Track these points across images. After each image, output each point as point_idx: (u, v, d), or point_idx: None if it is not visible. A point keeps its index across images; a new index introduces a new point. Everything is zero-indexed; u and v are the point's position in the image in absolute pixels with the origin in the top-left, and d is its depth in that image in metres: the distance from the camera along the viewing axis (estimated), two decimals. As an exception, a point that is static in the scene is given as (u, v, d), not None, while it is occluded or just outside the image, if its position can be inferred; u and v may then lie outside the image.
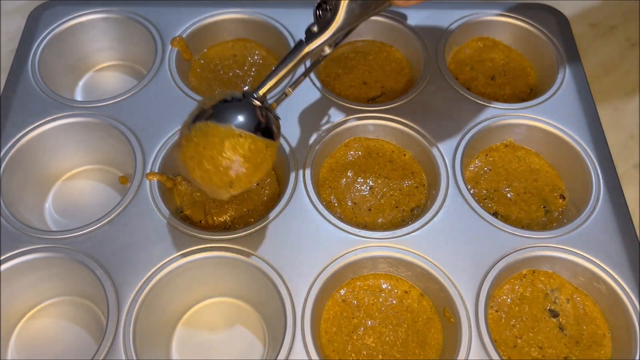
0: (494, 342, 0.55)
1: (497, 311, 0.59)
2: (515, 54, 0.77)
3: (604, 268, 0.59)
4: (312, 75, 0.71)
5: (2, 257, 0.57)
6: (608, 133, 0.68)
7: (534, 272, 0.61)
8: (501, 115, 0.69)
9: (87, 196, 0.69)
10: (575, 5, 0.82)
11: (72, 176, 0.70)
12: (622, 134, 0.71)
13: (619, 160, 0.67)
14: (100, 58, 0.77)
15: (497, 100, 0.72)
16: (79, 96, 0.76)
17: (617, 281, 0.58)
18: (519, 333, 0.57)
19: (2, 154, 0.64)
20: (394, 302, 0.59)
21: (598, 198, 0.63)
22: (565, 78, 0.72)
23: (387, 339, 0.57)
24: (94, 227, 0.60)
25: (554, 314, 0.59)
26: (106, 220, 0.60)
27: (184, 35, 0.73)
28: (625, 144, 0.70)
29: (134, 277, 0.57)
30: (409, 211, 0.65)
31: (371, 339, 0.57)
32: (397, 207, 0.65)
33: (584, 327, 0.58)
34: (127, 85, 0.76)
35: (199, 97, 0.69)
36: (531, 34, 0.76)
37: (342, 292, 0.60)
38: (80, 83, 0.77)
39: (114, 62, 0.78)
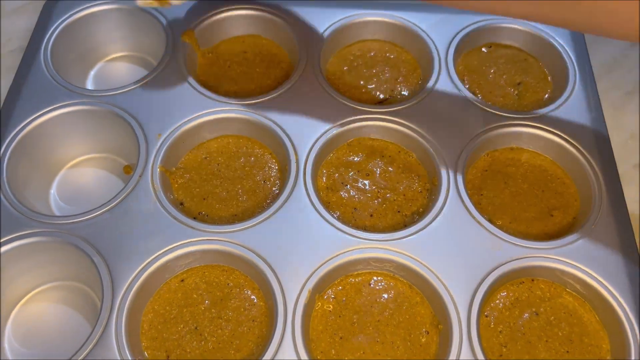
0: (484, 351, 0.54)
1: (487, 316, 0.58)
2: (527, 62, 0.76)
3: (602, 283, 0.58)
4: (318, 73, 0.71)
5: (1, 240, 0.58)
6: (609, 132, 0.67)
7: (532, 280, 0.60)
8: (508, 123, 0.68)
9: (92, 184, 0.70)
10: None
11: (77, 164, 0.71)
12: (622, 134, 0.70)
13: (619, 160, 0.66)
14: (111, 49, 0.78)
15: (507, 106, 0.71)
16: (89, 85, 0.77)
17: (615, 298, 0.57)
18: (505, 341, 0.57)
19: (9, 139, 0.65)
20: (388, 304, 0.59)
21: (600, 211, 0.62)
22: (576, 88, 0.71)
23: (379, 339, 0.57)
24: (94, 214, 0.61)
25: (552, 324, 0.58)
26: (106, 208, 0.61)
27: (195, 29, 0.74)
28: (625, 144, 0.69)
29: (130, 266, 0.58)
30: (410, 216, 0.64)
31: (363, 339, 0.57)
32: (399, 211, 0.64)
33: (585, 340, 0.57)
34: (137, 76, 0.76)
35: (206, 92, 0.69)
36: (543, 42, 0.75)
37: (335, 290, 0.59)
38: (92, 73, 0.78)
39: (125, 53, 0.79)
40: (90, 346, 0.53)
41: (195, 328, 0.57)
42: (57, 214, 0.67)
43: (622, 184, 0.63)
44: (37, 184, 0.68)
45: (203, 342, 0.57)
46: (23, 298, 0.62)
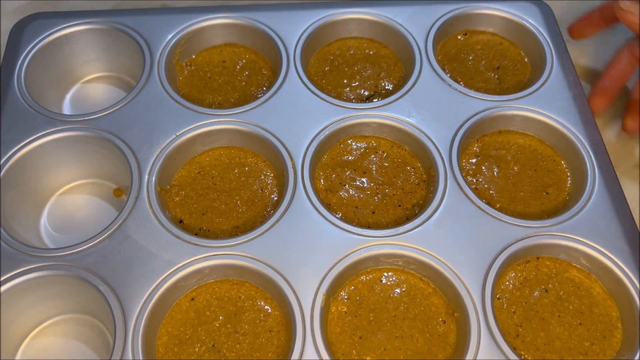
0: (503, 334, 0.55)
1: (499, 298, 0.59)
2: (502, 46, 0.78)
3: (604, 253, 0.60)
4: (302, 75, 0.71)
5: (2, 278, 0.56)
6: (608, 132, 0.68)
7: (538, 258, 0.61)
8: (493, 107, 0.69)
9: (83, 211, 0.68)
10: (575, 5, 0.82)
11: (66, 191, 0.69)
12: (622, 134, 0.72)
13: (619, 160, 0.67)
14: (87, 70, 0.76)
15: (490, 91, 0.72)
16: (67, 109, 0.74)
17: (618, 266, 0.59)
18: (519, 321, 0.58)
19: (-6, 173, 0.62)
20: (402, 298, 0.59)
21: (594, 184, 0.64)
22: (554, 67, 0.73)
23: (397, 334, 0.57)
24: (94, 242, 0.59)
25: (562, 299, 0.59)
26: (106, 235, 0.59)
27: (171, 43, 0.73)
28: (625, 143, 0.71)
29: (138, 291, 0.56)
30: (411, 208, 0.65)
31: (382, 336, 0.57)
32: (399, 205, 0.65)
33: (595, 311, 0.58)
34: (115, 96, 0.75)
35: (192, 105, 0.68)
36: (517, 25, 0.77)
37: (347, 291, 0.59)
38: (68, 96, 0.75)
39: (101, 74, 0.77)
40: (110, 377, 0.52)
41: (213, 346, 0.56)
42: (50, 244, 0.65)
43: (622, 184, 0.64)
44: (26, 215, 0.65)
45: (226, 355, 0.56)
46: (29, 334, 0.60)
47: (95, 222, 0.66)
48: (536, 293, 0.59)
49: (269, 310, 0.58)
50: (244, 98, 0.73)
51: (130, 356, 0.53)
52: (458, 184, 0.64)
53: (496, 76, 0.75)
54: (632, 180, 0.70)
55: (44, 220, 0.67)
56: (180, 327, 0.57)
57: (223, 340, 0.57)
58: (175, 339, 0.57)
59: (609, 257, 0.59)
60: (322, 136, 0.67)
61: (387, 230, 0.61)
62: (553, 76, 0.72)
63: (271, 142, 0.66)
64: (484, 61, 0.76)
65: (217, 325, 0.57)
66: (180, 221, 0.64)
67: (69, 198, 0.69)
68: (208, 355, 0.56)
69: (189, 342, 0.57)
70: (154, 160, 0.64)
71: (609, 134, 0.71)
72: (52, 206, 0.68)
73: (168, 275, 0.57)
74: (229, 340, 0.57)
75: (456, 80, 0.74)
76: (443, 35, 0.77)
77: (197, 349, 0.56)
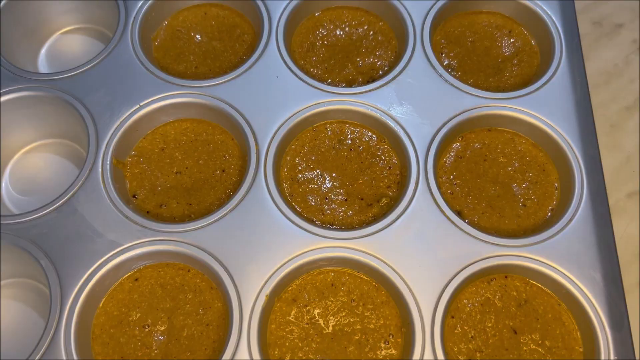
0: (447, 355, 0.52)
1: (453, 317, 0.56)
2: (512, 34, 0.70)
3: (575, 283, 0.55)
4: (282, 49, 0.66)
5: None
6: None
7: (506, 277, 0.57)
8: (483, 105, 0.63)
9: (46, 171, 0.67)
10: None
11: (28, 151, 0.67)
12: (618, 156, 0.62)
13: (614, 185, 0.59)
14: (63, 21, 0.73)
15: (487, 83, 0.66)
16: (42, 63, 0.72)
17: (587, 298, 0.54)
18: (477, 346, 0.55)
19: (-50, 129, 0.61)
20: (351, 303, 0.56)
21: (579, 204, 0.58)
22: (561, 65, 0.65)
23: (339, 341, 0.55)
24: (41, 214, 0.57)
25: (522, 328, 0.55)
26: (54, 207, 0.58)
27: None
28: (621, 167, 0.62)
29: (80, 269, 0.55)
30: (379, 208, 0.61)
31: (322, 343, 0.55)
32: (370, 205, 0.60)
33: (560, 345, 0.55)
34: (93, 50, 0.71)
35: (162, 74, 0.64)
36: (528, 9, 0.68)
37: (295, 292, 0.57)
38: (43, 50, 0.72)
39: (78, 25, 0.74)
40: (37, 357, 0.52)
41: (146, 328, 0.55)
42: (12, 206, 0.64)
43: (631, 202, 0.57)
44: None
45: (161, 344, 0.55)
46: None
47: (59, 184, 0.64)
48: (493, 317, 0.56)
49: (211, 303, 0.56)
50: (220, 65, 0.68)
51: (62, 340, 0.53)
52: (430, 189, 0.59)
53: (498, 67, 0.68)
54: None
55: (5, 182, 0.66)
56: (121, 308, 0.56)
57: (159, 326, 0.55)
58: (115, 320, 0.56)
59: (579, 288, 0.55)
60: (293, 120, 0.62)
61: (345, 232, 0.57)
62: (559, 75, 0.65)
63: (237, 121, 0.62)
64: (487, 48, 0.69)
65: (157, 311, 0.56)
66: (134, 195, 0.61)
67: (31, 158, 0.67)
68: (142, 339, 0.55)
69: (125, 324, 0.56)
70: (114, 131, 0.61)
71: (604, 155, 0.62)
72: (14, 166, 0.67)
73: (111, 256, 0.56)
74: (165, 327, 0.55)
75: (452, 68, 0.67)
76: (444, 15, 0.70)
77: (134, 332, 0.55)
